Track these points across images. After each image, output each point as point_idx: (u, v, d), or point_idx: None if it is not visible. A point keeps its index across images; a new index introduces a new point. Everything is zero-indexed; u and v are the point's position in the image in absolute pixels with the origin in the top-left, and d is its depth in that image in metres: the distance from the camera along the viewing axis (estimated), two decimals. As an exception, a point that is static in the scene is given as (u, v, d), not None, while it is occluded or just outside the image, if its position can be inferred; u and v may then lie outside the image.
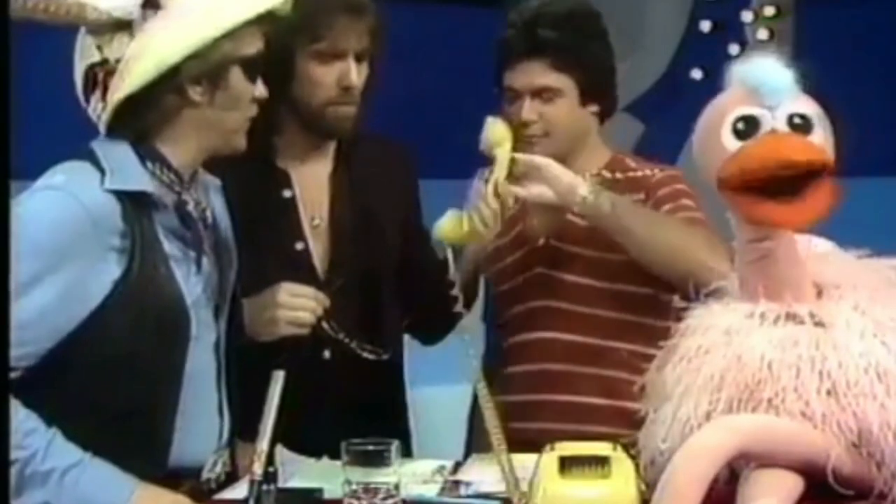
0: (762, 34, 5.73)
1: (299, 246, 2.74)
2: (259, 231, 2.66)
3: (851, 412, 2.11)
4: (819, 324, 2.19)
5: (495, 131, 2.73)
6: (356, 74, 2.69)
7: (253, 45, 2.32)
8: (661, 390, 2.25)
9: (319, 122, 2.73)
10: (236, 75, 2.31)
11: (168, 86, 2.27)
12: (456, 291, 2.54)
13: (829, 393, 2.12)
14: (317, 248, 2.75)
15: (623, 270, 2.81)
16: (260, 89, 2.35)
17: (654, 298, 2.83)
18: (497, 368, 2.89)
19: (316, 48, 2.67)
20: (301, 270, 2.72)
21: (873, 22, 5.24)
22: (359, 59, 2.70)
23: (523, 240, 2.94)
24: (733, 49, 5.78)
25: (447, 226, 2.68)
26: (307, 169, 2.78)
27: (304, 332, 2.61)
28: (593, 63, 2.90)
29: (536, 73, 2.86)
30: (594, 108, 2.93)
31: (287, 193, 2.76)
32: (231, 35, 2.27)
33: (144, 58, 2.25)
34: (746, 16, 5.76)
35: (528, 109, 2.86)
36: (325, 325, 2.65)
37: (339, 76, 2.68)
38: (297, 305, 2.60)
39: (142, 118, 2.29)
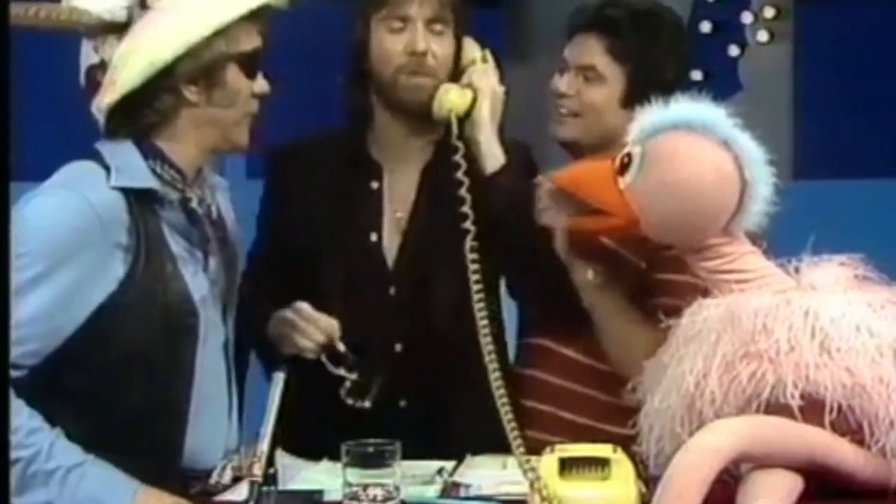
0: (762, 36, 5.73)
1: (373, 237, 2.71)
2: (342, 221, 2.68)
3: (844, 367, 2.14)
4: (811, 286, 2.25)
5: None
6: (424, 40, 2.63)
7: (249, 42, 2.32)
8: (658, 369, 2.26)
9: (393, 94, 2.68)
10: (233, 72, 2.31)
11: (162, 86, 2.27)
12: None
13: (821, 347, 2.14)
14: (392, 241, 2.72)
15: None
16: (260, 84, 2.35)
17: None
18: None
19: (381, 16, 2.64)
20: (371, 262, 2.71)
21: (873, 23, 5.24)
22: (432, 26, 2.65)
23: None
24: (733, 50, 5.79)
25: (454, 96, 2.64)
26: (401, 161, 2.74)
27: (309, 356, 2.52)
28: (651, 67, 2.72)
29: (587, 50, 2.74)
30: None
31: (374, 185, 2.73)
32: (225, 33, 2.27)
33: (135, 59, 2.25)
34: (746, 17, 5.76)
35: (568, 82, 2.75)
36: (323, 358, 2.53)
37: (406, 43, 2.64)
38: (302, 330, 2.52)
39: (139, 119, 2.29)
